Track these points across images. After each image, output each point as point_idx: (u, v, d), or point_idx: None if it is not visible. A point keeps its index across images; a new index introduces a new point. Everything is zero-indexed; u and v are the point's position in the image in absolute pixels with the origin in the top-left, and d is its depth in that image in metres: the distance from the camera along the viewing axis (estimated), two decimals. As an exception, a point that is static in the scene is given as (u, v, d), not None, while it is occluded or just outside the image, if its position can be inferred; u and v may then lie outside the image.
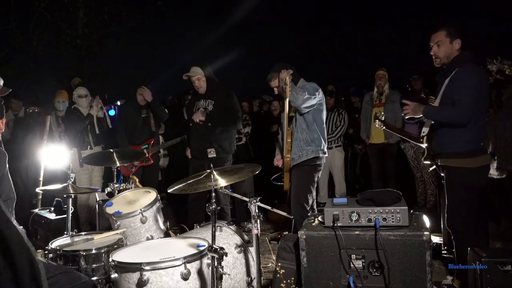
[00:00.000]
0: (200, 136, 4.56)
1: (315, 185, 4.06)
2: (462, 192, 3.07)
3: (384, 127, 3.79)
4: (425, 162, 3.43)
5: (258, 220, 2.45)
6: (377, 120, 3.79)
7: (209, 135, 4.52)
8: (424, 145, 3.36)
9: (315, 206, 4.10)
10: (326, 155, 4.08)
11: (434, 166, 3.35)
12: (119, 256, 2.50)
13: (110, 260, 2.43)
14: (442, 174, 3.26)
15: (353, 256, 2.76)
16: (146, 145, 5.32)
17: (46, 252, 2.89)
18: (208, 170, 2.58)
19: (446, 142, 3.12)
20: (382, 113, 3.94)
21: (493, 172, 4.07)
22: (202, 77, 4.56)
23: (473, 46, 3.19)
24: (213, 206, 2.36)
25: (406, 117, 3.38)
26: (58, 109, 5.88)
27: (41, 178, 5.00)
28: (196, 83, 4.59)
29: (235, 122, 4.66)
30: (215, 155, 4.53)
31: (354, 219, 2.79)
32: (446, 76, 3.14)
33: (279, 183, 4.16)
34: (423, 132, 3.34)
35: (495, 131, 4.08)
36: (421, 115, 3.20)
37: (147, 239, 3.24)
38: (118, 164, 3.90)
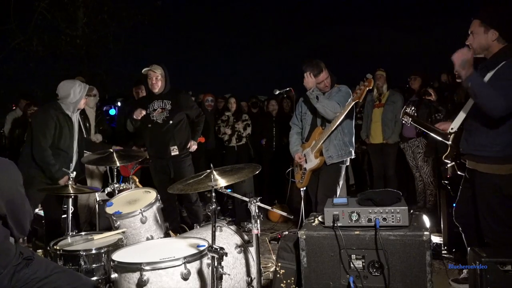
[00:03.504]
0: (162, 135, 4.55)
1: None
2: (496, 201, 2.81)
3: (411, 122, 3.59)
4: (445, 160, 3.25)
5: (258, 220, 2.45)
6: (406, 116, 3.58)
7: (171, 133, 4.54)
8: (448, 142, 3.20)
9: None
10: None
11: (451, 164, 3.19)
12: (119, 256, 2.50)
13: (110, 260, 2.43)
14: (459, 173, 3.10)
15: (353, 256, 2.76)
16: None
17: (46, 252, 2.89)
18: (208, 170, 2.58)
19: (481, 143, 2.83)
20: (413, 108, 3.77)
21: None
22: (162, 77, 4.55)
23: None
24: (213, 206, 2.36)
25: (453, 58, 2.81)
26: None
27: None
28: (154, 80, 4.52)
29: (197, 118, 4.77)
30: (177, 153, 4.55)
31: (354, 219, 2.78)
32: (490, 69, 2.86)
33: (292, 180, 4.13)
34: (451, 129, 3.14)
35: None
36: (465, 76, 2.74)
37: (147, 239, 3.24)
38: (118, 164, 3.90)
